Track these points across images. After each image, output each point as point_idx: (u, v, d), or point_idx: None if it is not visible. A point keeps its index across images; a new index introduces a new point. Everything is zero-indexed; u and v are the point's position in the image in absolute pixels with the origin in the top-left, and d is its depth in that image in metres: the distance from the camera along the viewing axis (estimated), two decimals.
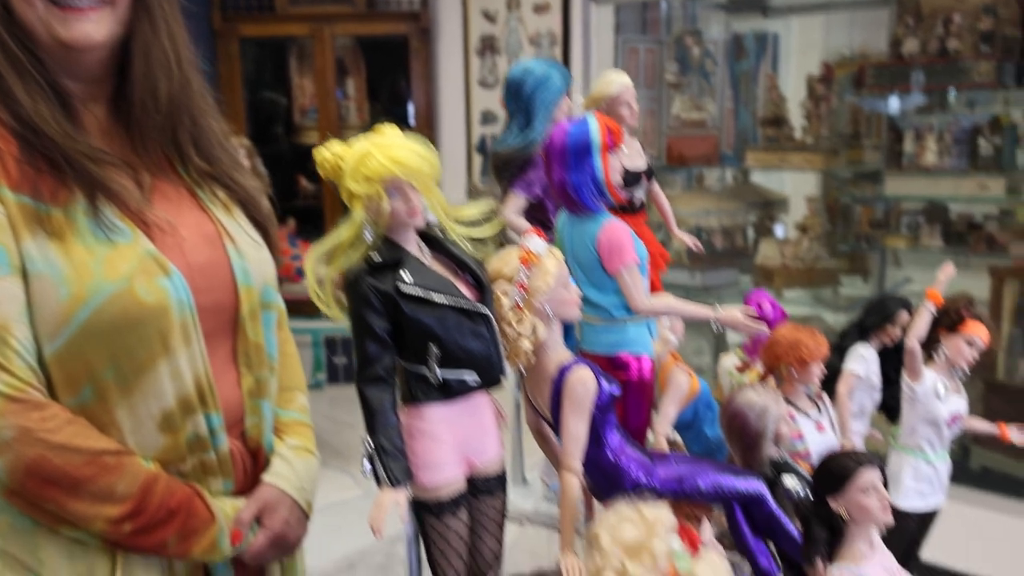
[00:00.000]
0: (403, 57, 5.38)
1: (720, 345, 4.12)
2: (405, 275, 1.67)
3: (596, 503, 1.95)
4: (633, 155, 2.54)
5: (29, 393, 1.09)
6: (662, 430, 2.15)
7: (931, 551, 2.56)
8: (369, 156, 1.62)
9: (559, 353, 1.82)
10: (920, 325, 2.24)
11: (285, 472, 1.33)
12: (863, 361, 2.48)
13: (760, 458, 1.97)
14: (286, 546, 1.33)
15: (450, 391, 1.73)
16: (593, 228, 1.99)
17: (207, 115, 1.31)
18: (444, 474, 1.76)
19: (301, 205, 5.62)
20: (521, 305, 1.76)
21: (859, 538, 1.66)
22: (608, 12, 4.58)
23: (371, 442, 1.69)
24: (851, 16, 4.44)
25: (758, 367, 2.36)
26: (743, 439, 1.98)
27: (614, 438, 1.81)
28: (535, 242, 1.79)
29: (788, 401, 2.18)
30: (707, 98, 4.70)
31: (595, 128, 1.94)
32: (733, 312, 2.03)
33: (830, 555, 1.69)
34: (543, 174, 2.15)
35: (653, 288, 2.39)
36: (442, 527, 1.78)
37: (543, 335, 1.78)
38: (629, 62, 4.60)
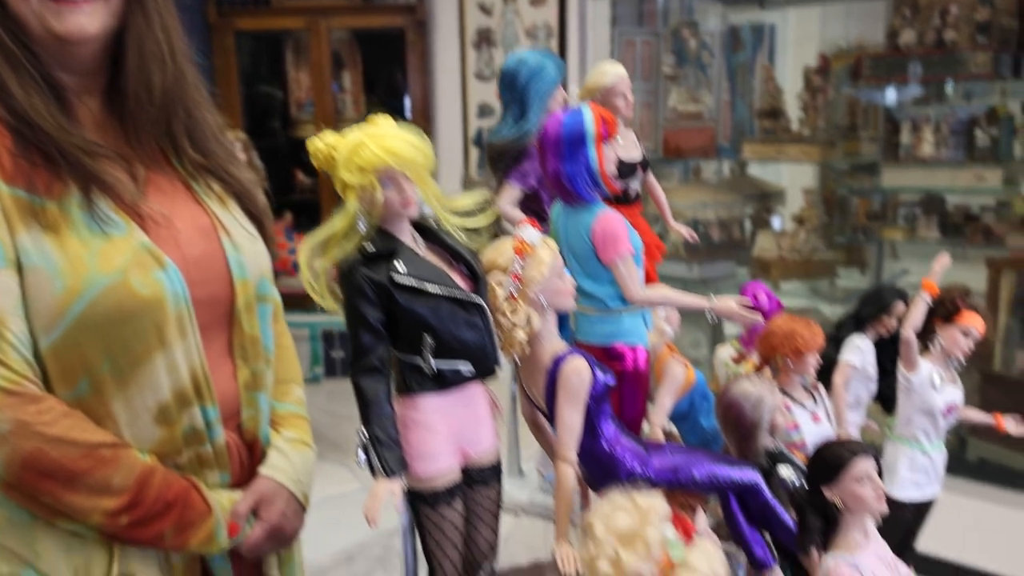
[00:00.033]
0: (399, 50, 5.36)
1: (716, 336, 4.12)
2: (399, 265, 1.67)
3: (592, 493, 1.96)
4: (628, 146, 2.53)
5: (25, 386, 1.09)
6: (658, 421, 2.15)
7: (927, 542, 2.57)
8: (362, 146, 1.62)
9: (554, 343, 1.81)
10: (916, 315, 2.24)
11: (281, 464, 1.34)
12: (859, 352, 2.48)
13: (756, 448, 1.98)
14: (283, 538, 1.33)
15: (444, 381, 1.74)
16: (588, 218, 1.99)
17: (201, 107, 1.31)
18: (439, 464, 1.76)
19: (298, 199, 5.62)
20: (516, 295, 1.75)
21: (854, 527, 1.67)
22: (604, 4, 4.56)
23: (366, 432, 1.69)
24: (848, 7, 4.42)
25: (754, 358, 2.37)
26: (739, 429, 1.98)
27: (609, 428, 1.81)
28: (530, 232, 1.79)
29: (784, 392, 2.18)
30: (704, 90, 4.68)
31: (589, 118, 1.94)
32: (728, 302, 2.03)
33: (825, 544, 1.69)
34: (538, 165, 2.14)
35: (649, 279, 2.39)
36: (437, 517, 1.78)
37: (538, 325, 1.78)
38: (625, 54, 4.59)
